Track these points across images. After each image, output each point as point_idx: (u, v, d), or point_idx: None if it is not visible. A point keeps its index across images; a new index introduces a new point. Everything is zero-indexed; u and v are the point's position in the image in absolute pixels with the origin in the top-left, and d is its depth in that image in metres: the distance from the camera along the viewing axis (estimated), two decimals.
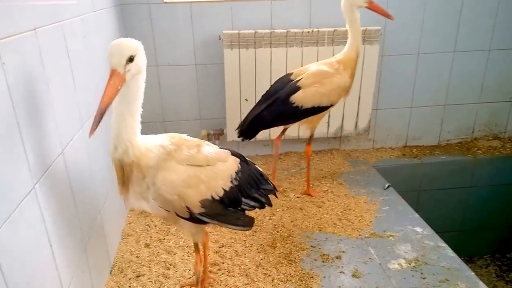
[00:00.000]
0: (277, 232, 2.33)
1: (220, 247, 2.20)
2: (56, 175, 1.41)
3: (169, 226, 2.39)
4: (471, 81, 3.30)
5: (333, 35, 2.90)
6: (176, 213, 1.45)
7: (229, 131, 3.06)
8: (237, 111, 3.02)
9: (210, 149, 1.54)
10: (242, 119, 3.01)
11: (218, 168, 1.51)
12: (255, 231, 2.33)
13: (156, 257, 2.14)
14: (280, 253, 2.15)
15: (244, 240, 2.25)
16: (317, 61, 2.93)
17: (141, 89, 1.36)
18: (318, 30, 2.88)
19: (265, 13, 2.90)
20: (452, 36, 3.14)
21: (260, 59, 2.90)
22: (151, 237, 2.30)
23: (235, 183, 1.55)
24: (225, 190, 1.50)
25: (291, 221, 2.43)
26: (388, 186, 2.79)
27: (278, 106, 2.33)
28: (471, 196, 3.34)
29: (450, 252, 2.15)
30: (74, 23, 1.72)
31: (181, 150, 1.46)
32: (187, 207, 1.44)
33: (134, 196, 1.46)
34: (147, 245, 2.24)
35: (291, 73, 2.45)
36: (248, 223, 1.61)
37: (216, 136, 3.13)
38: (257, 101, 2.51)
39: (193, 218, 1.47)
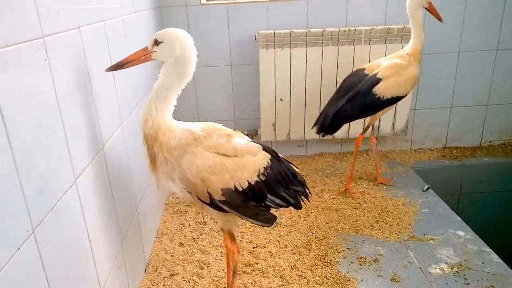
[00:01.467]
0: (312, 233, 2.29)
1: (254, 248, 2.18)
2: (96, 171, 1.44)
3: (203, 226, 2.40)
4: None
5: (370, 34, 2.83)
6: (198, 196, 1.47)
7: (263, 131, 3.05)
8: (271, 112, 3.00)
9: (241, 140, 1.53)
10: (275, 118, 3.01)
11: (245, 160, 1.50)
12: (289, 232, 2.30)
13: (190, 256, 2.15)
14: (315, 255, 2.11)
15: (278, 241, 2.23)
16: (353, 59, 2.90)
17: (174, 78, 1.45)
18: (355, 29, 2.83)
19: (301, 12, 2.88)
20: (495, 33, 3.01)
21: (296, 58, 2.87)
22: (185, 236, 2.32)
23: (262, 178, 1.52)
24: (249, 183, 1.49)
25: (326, 223, 2.38)
26: (428, 188, 2.69)
27: (361, 99, 2.43)
28: None
29: (495, 257, 2.04)
30: (116, 23, 1.75)
31: (211, 137, 1.48)
32: (208, 192, 1.45)
33: (162, 175, 1.51)
34: (181, 244, 2.25)
35: (363, 68, 2.53)
36: (268, 220, 1.58)
37: (250, 136, 3.11)
38: (332, 97, 2.54)
39: (213, 204, 1.48)
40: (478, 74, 3.11)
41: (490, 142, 3.34)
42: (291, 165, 1.73)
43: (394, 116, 3.04)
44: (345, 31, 2.82)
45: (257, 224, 1.61)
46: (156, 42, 1.42)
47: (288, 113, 3.02)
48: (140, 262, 2.00)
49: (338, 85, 2.81)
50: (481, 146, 3.33)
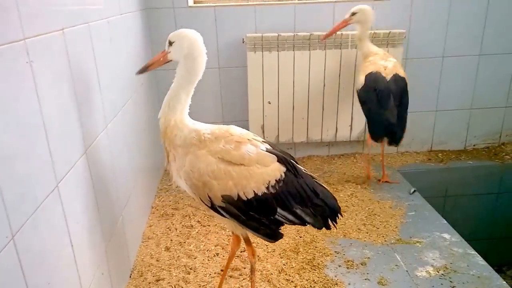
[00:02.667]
0: (300, 237, 2.29)
1: (241, 252, 2.17)
2: (79, 175, 1.41)
3: (189, 230, 2.37)
4: (498, 85, 3.20)
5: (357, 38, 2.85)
6: (200, 198, 1.47)
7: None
8: (259, 114, 3.00)
9: (251, 149, 1.48)
10: (263, 120, 3.00)
11: (253, 170, 1.45)
12: None
13: (176, 261, 2.12)
14: (303, 259, 2.11)
15: (266, 245, 2.22)
16: (340, 63, 2.91)
17: (184, 77, 1.50)
18: (342, 33, 2.84)
19: (288, 16, 2.89)
20: (478, 39, 3.05)
21: (283, 62, 2.88)
22: (171, 240, 2.29)
23: (272, 190, 1.46)
24: (255, 194, 1.44)
25: None
26: (414, 191, 2.71)
27: (406, 98, 2.59)
28: (499, 202, 3.23)
29: (480, 260, 2.06)
30: (101, 25, 1.73)
31: (218, 142, 1.46)
32: (209, 196, 1.45)
33: (174, 171, 1.54)
34: (167, 249, 2.22)
35: (379, 73, 2.53)
36: (269, 235, 1.53)
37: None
38: (376, 106, 2.53)
39: (214, 208, 1.47)
40: (462, 79, 3.16)
41: (474, 145, 3.39)
42: (317, 181, 1.64)
43: None
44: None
45: (258, 237, 1.56)
46: (170, 43, 1.50)
47: (277, 116, 3.02)
48: (125, 267, 1.96)
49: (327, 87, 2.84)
50: (466, 150, 3.38)
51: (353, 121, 3.06)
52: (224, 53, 2.94)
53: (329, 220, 1.61)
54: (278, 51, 2.85)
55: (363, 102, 2.60)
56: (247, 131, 1.59)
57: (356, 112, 3.02)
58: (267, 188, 1.46)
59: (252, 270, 1.72)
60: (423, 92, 3.16)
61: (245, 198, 1.44)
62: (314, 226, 1.57)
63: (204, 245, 2.23)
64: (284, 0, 2.96)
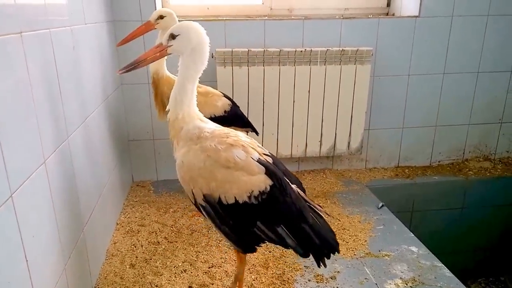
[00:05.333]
0: (269, 252, 2.25)
1: (209, 267, 2.11)
2: (36, 186, 1.34)
3: (156, 246, 2.29)
4: (461, 103, 3.32)
5: (326, 55, 2.90)
6: (186, 192, 1.50)
7: None
8: None
9: (241, 154, 1.43)
10: None
11: (237, 176, 1.41)
12: None
13: (141, 278, 2.03)
14: (273, 274, 2.07)
15: (235, 260, 2.16)
16: (310, 79, 2.95)
17: (191, 68, 1.50)
18: (311, 50, 2.88)
19: (258, 32, 2.90)
20: (442, 58, 3.17)
21: (253, 77, 2.88)
22: (137, 257, 2.20)
23: (254, 201, 1.41)
24: (236, 200, 1.42)
25: None
26: (382, 206, 2.74)
27: None
28: (463, 217, 3.30)
29: (447, 272, 2.08)
30: (64, 32, 1.68)
31: (212, 140, 1.46)
32: (193, 192, 1.46)
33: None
34: (132, 266, 2.13)
35: None
36: (238, 243, 1.52)
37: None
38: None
39: (196, 206, 1.49)
40: (426, 96, 3.25)
41: (439, 161, 3.48)
42: (314, 209, 1.56)
43: (350, 135, 3.10)
44: (301, 51, 2.87)
45: (228, 244, 1.56)
46: (173, 36, 1.47)
47: None
48: (86, 286, 1.86)
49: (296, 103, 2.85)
50: (431, 166, 3.46)
51: (322, 137, 3.08)
52: None
53: (320, 255, 1.51)
54: (248, 66, 2.86)
55: None
56: (252, 139, 1.57)
57: (325, 128, 3.06)
58: (249, 197, 1.41)
59: (235, 280, 1.73)
60: (390, 109, 3.24)
61: (225, 203, 1.42)
62: (295, 251, 1.49)
63: (171, 262, 2.15)
64: (254, 16, 3.00)
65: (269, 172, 1.45)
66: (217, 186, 1.41)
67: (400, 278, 2.04)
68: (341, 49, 2.91)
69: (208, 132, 1.49)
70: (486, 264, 3.43)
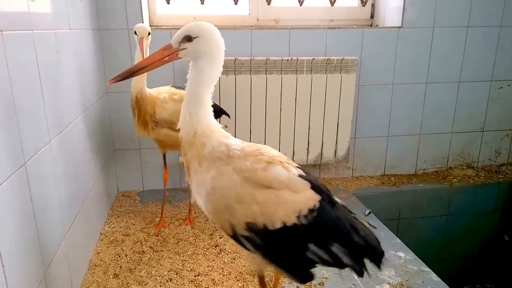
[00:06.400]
0: None
1: (196, 276, 2.07)
2: (14, 191, 1.30)
3: (141, 256, 2.24)
4: (444, 112, 3.37)
5: (312, 64, 2.93)
6: (220, 224, 1.28)
7: None
8: None
9: (282, 172, 1.27)
10: None
11: (283, 196, 1.24)
12: (233, 259, 2.21)
13: None
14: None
15: (222, 268, 2.13)
16: (296, 87, 2.96)
17: (207, 75, 1.31)
18: (297, 59, 2.91)
19: (245, 41, 2.92)
20: (424, 68, 3.23)
21: (240, 85, 2.89)
22: (121, 267, 2.15)
23: (303, 221, 1.24)
24: (285, 225, 1.23)
25: None
26: (369, 213, 2.75)
27: None
28: (449, 224, 3.32)
29: (434, 276, 2.08)
30: (48, 35, 1.66)
31: (246, 159, 1.27)
32: (231, 223, 1.24)
33: (194, 187, 1.33)
34: (116, 276, 2.08)
35: None
36: (300, 276, 1.32)
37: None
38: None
39: (236, 239, 1.27)
40: (410, 105, 3.30)
41: (424, 169, 3.51)
42: (356, 217, 1.41)
43: (336, 143, 3.12)
44: (288, 60, 2.90)
45: (285, 276, 1.35)
46: (189, 38, 1.28)
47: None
48: None
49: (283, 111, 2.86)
50: (416, 174, 3.49)
51: (309, 145, 3.09)
52: (180, 75, 2.91)
53: (371, 263, 1.37)
54: (235, 74, 2.87)
55: None
56: (280, 152, 1.39)
57: (312, 136, 3.07)
58: (298, 217, 1.24)
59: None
60: (375, 118, 3.27)
61: (272, 228, 1.22)
62: (353, 269, 1.32)
63: (156, 271, 2.11)
64: (241, 26, 3.02)
65: (314, 186, 1.30)
66: (261, 211, 1.22)
67: (388, 283, 2.03)
68: (326, 58, 2.94)
69: (238, 150, 1.29)
70: (472, 271, 3.45)
